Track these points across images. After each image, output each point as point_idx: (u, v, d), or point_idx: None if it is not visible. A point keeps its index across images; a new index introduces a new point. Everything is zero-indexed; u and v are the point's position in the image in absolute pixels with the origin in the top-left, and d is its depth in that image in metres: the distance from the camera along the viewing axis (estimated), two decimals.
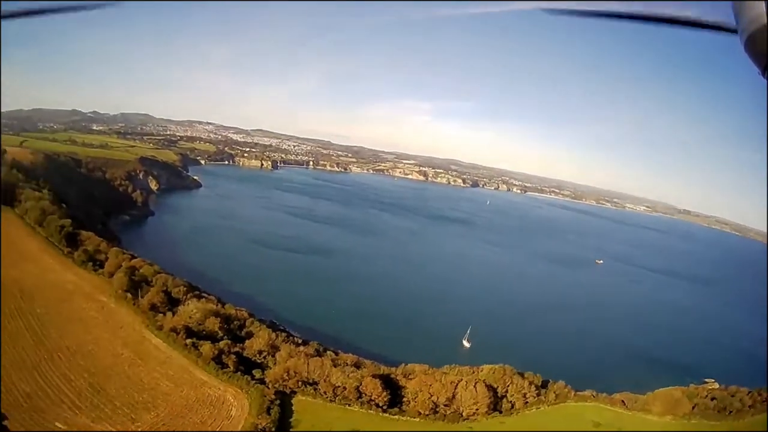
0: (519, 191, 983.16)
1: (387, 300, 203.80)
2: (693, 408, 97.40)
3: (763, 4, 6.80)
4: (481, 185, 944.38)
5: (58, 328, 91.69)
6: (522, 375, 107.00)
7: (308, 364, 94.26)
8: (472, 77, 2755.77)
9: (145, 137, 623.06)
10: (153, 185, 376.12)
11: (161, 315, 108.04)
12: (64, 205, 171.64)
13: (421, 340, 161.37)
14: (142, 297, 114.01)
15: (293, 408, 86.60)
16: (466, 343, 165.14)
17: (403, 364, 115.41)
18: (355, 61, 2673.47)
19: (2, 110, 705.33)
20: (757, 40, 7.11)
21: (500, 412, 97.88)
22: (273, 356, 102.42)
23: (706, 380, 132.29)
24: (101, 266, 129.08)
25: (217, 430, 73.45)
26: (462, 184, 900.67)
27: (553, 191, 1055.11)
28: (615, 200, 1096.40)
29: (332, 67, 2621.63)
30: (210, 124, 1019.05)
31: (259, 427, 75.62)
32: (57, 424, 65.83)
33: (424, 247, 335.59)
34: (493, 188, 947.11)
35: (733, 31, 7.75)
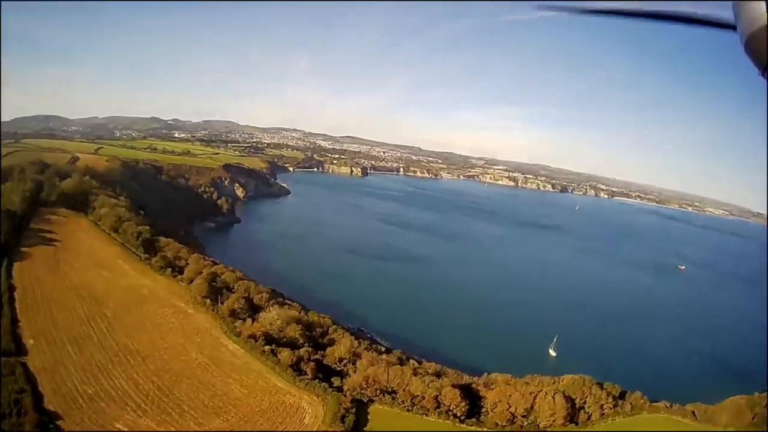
0: (606, 196, 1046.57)
1: (476, 308, 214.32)
2: (753, 418, 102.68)
3: (763, 4, 7.57)
4: (570, 190, 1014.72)
5: (128, 332, 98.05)
6: (601, 385, 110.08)
7: (388, 372, 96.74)
8: (560, 82, 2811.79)
9: (229, 144, 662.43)
10: (239, 192, 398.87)
11: (240, 321, 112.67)
12: (142, 212, 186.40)
13: (508, 348, 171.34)
14: (222, 303, 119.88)
15: (369, 417, 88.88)
16: (552, 352, 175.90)
17: (485, 374, 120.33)
18: (443, 66, 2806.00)
19: (76, 118, 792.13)
20: (757, 40, 7.85)
21: (576, 424, 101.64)
22: (354, 364, 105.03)
23: None
24: (181, 272, 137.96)
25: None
26: (551, 189, 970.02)
27: (639, 196, 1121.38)
28: (696, 204, 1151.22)
29: (421, 72, 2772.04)
30: (297, 131, 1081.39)
31: None
32: (117, 425, 69.96)
33: (513, 254, 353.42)
34: (581, 193, 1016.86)
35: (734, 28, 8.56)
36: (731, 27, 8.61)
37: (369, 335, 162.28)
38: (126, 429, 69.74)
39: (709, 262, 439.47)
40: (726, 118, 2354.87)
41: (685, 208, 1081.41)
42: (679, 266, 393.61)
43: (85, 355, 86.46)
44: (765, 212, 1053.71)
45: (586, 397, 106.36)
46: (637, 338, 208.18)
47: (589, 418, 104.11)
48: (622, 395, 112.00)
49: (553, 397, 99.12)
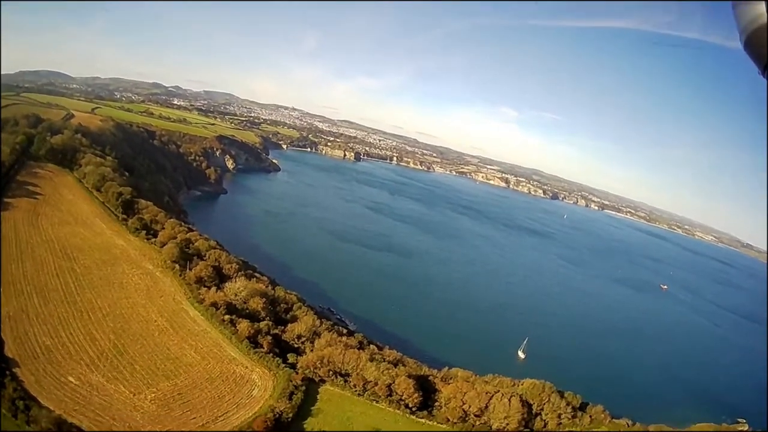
0: (597, 208, 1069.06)
1: (453, 303, 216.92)
2: None
3: (763, 4, 7.55)
4: (560, 198, 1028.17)
5: (94, 289, 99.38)
6: (562, 394, 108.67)
7: (344, 354, 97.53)
8: (561, 90, 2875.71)
9: (226, 117, 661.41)
10: (229, 164, 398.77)
11: (206, 289, 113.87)
12: (127, 174, 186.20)
13: (478, 346, 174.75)
14: (191, 270, 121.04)
15: (318, 396, 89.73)
16: (521, 354, 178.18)
17: (446, 368, 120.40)
18: (447, 61, 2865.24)
19: (79, 76, 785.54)
20: (756, 40, 7.83)
21: (531, 430, 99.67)
22: (312, 342, 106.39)
23: (739, 420, 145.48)
24: (155, 236, 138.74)
25: (235, 408, 76.71)
26: (542, 195, 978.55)
27: (629, 212, 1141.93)
28: (686, 227, 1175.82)
29: (424, 63, 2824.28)
30: (296, 110, 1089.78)
31: (277, 410, 78.35)
32: (69, 378, 71.64)
33: (497, 255, 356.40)
34: (572, 202, 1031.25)
35: None
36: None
37: (338, 317, 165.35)
38: (77, 382, 71.41)
39: (693, 286, 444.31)
40: (724, 146, 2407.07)
41: (674, 229, 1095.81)
42: (662, 285, 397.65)
43: (49, 308, 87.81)
44: (754, 244, 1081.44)
45: (545, 403, 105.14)
46: (611, 352, 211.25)
47: (545, 425, 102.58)
48: (582, 407, 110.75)
49: (509, 400, 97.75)
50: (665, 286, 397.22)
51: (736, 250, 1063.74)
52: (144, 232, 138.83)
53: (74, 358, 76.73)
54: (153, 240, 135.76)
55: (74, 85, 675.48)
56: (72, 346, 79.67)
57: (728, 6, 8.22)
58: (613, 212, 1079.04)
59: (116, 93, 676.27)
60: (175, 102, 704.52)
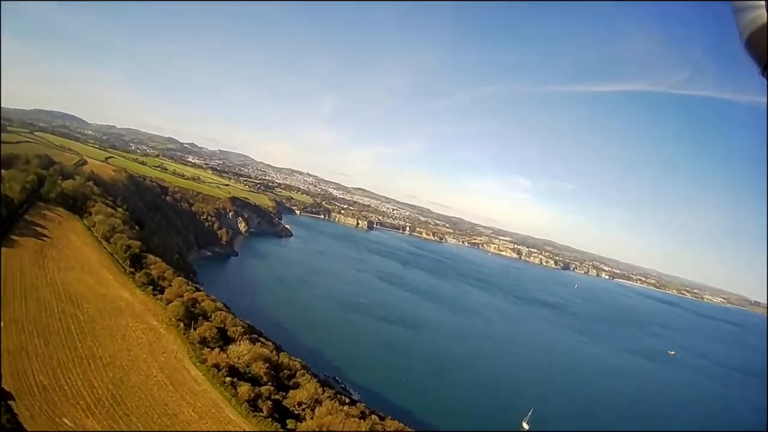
0: (607, 277, 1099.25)
1: (461, 377, 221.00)
2: None
3: (763, 4, 7.89)
4: (572, 268, 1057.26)
5: (96, 337, 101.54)
6: None
7: (344, 423, 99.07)
8: (574, 158, 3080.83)
9: (241, 178, 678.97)
10: (242, 226, 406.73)
11: (209, 350, 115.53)
12: (137, 228, 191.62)
13: (483, 418, 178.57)
14: (195, 329, 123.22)
15: None
16: (525, 425, 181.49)
17: None
18: (462, 128, 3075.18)
19: (94, 123, 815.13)
20: (757, 40, 8.15)
21: None
22: (313, 410, 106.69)
23: None
24: (162, 292, 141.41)
25: None
26: (554, 266, 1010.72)
27: (639, 279, 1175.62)
28: (695, 291, 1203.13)
29: (438, 132, 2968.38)
30: (310, 175, 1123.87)
31: None
32: (65, 419, 73.08)
33: (508, 328, 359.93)
34: (583, 272, 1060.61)
35: None
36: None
37: (342, 385, 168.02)
38: (72, 425, 72.79)
39: (701, 350, 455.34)
40: (727, 209, 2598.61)
41: (684, 294, 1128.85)
42: (670, 352, 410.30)
43: (49, 349, 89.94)
44: (763, 301, 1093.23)
45: None
46: (616, 422, 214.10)
47: None
48: None
49: None
50: (672, 352, 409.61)
51: (745, 309, 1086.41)
52: (150, 287, 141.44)
53: (71, 402, 78.18)
54: (159, 296, 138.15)
55: (89, 131, 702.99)
56: (69, 389, 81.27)
57: (728, 7, 8.55)
58: (624, 280, 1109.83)
59: (131, 144, 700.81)
60: (190, 159, 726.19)
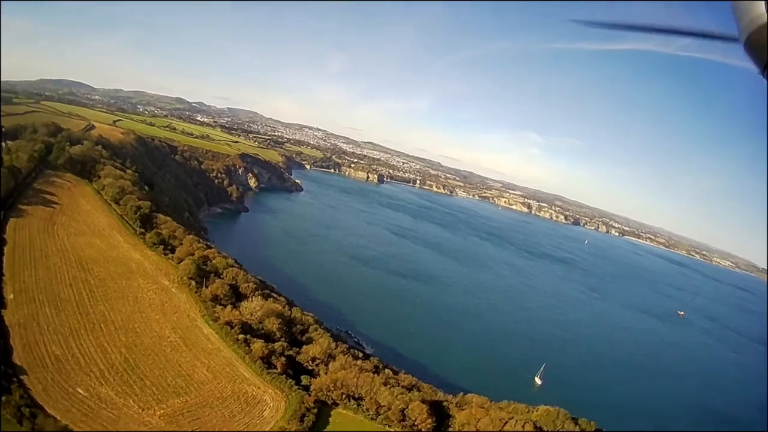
0: (617, 234, 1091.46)
1: (473, 329, 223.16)
2: None
3: (763, 4, 7.90)
4: (582, 223, 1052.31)
5: (108, 301, 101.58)
6: (576, 421, 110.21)
7: (358, 378, 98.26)
8: (584, 115, 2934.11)
9: (250, 135, 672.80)
10: (252, 182, 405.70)
11: (221, 307, 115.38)
12: (147, 188, 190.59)
13: (497, 372, 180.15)
14: (206, 287, 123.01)
15: (330, 419, 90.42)
16: (538, 380, 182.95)
17: (461, 394, 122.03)
18: (472, 85, 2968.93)
19: (101, 88, 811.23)
20: (757, 39, 8.20)
21: None
22: (326, 365, 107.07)
23: None
24: (173, 251, 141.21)
25: (245, 428, 77.42)
26: (564, 221, 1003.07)
27: (649, 237, 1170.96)
28: (704, 252, 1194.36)
29: (449, 88, 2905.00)
30: (320, 130, 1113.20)
31: None
32: (78, 389, 73.31)
33: (520, 282, 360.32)
34: (593, 228, 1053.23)
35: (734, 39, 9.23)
36: (733, 39, 9.30)
37: (355, 339, 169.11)
38: (86, 394, 73.02)
39: (711, 313, 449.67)
40: (735, 175, 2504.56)
41: (693, 255, 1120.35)
42: (679, 312, 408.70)
43: (61, 318, 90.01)
44: None
45: (558, 429, 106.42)
46: (627, 379, 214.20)
47: None
48: None
49: (523, 426, 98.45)
50: (682, 312, 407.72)
51: (753, 275, 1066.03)
52: (161, 247, 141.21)
53: (84, 370, 78.42)
54: (170, 255, 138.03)
55: (96, 96, 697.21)
56: (82, 357, 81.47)
57: (728, 6, 8.74)
58: (634, 238, 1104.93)
59: (139, 106, 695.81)
60: (199, 118, 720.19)
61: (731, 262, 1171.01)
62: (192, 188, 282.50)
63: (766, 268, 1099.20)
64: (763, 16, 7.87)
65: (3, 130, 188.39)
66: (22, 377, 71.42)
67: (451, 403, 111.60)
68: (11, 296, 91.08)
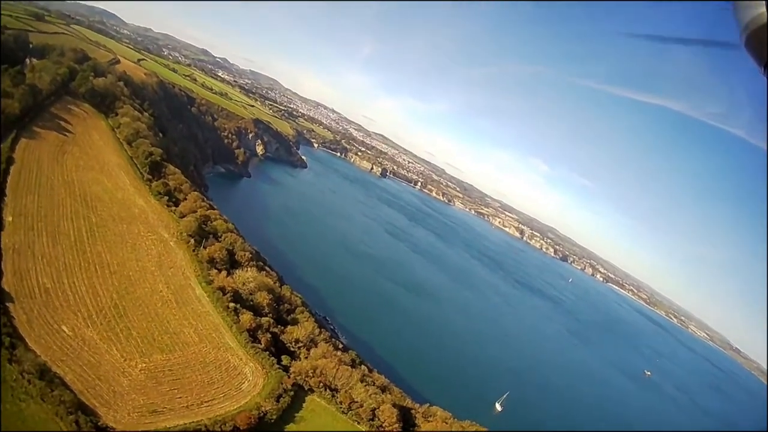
0: (602, 279, 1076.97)
1: (448, 344, 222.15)
2: None
3: (763, 4, 7.82)
4: (569, 261, 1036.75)
5: (106, 243, 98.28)
6: None
7: (337, 369, 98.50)
8: (596, 156, 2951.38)
9: (267, 101, 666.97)
10: (259, 149, 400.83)
11: (216, 271, 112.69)
12: (160, 135, 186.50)
13: (460, 390, 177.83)
14: (204, 248, 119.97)
15: (304, 405, 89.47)
16: (498, 407, 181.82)
17: (427, 404, 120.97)
18: (493, 101, 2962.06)
19: (132, 23, 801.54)
20: (757, 39, 8.10)
21: None
22: (308, 350, 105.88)
23: None
24: (176, 204, 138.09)
25: (222, 397, 75.22)
26: (553, 254, 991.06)
27: (632, 290, 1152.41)
28: (682, 318, 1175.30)
29: (473, 99, 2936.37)
30: (335, 112, 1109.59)
31: (262, 409, 78.06)
32: (63, 327, 70.12)
33: (506, 311, 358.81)
34: (580, 268, 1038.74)
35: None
36: (732, 45, 9.05)
37: (332, 327, 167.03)
38: (70, 333, 69.92)
39: (681, 382, 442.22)
40: (733, 251, 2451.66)
41: (671, 318, 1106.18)
42: (646, 372, 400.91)
43: (57, 250, 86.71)
44: (742, 349, 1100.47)
45: None
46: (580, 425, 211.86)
47: None
48: None
49: None
50: (649, 372, 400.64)
51: (725, 352, 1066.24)
52: (166, 198, 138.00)
53: (72, 308, 75.37)
54: (173, 208, 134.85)
55: (125, 31, 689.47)
56: (72, 295, 78.34)
57: (728, 6, 8.51)
58: (617, 287, 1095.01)
59: (165, 50, 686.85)
60: (220, 74, 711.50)
61: (707, 334, 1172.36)
62: (201, 143, 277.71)
63: (739, 349, 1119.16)
64: (763, 16, 7.70)
65: (31, 46, 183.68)
66: (8, 304, 68.09)
67: (418, 412, 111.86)
68: (10, 218, 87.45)
